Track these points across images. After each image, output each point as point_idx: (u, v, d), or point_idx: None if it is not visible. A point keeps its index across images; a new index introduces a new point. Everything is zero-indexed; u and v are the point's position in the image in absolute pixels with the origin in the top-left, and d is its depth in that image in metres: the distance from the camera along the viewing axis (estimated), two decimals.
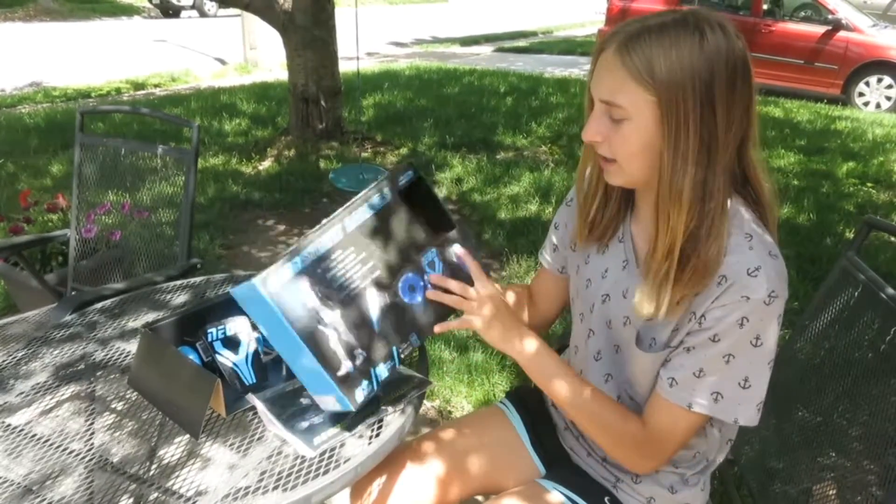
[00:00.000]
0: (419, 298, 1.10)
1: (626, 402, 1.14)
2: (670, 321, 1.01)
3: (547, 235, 1.33)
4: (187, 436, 1.10)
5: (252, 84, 8.49)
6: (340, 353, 1.00)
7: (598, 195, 1.13)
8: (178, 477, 1.02)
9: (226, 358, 1.18)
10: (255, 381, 1.19)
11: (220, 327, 1.21)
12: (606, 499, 1.18)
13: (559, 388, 1.09)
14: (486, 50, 12.94)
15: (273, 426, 1.09)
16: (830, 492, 1.29)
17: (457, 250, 1.15)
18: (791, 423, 1.43)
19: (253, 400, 1.13)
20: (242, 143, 5.66)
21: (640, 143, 0.96)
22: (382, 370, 1.05)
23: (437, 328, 1.10)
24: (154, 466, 1.05)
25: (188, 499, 0.97)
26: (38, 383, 1.25)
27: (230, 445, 1.08)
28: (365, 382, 1.02)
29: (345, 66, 5.64)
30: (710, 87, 0.91)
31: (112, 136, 2.25)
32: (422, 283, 1.10)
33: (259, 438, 1.09)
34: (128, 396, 1.21)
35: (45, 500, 0.97)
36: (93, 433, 1.12)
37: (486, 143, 5.75)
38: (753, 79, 0.96)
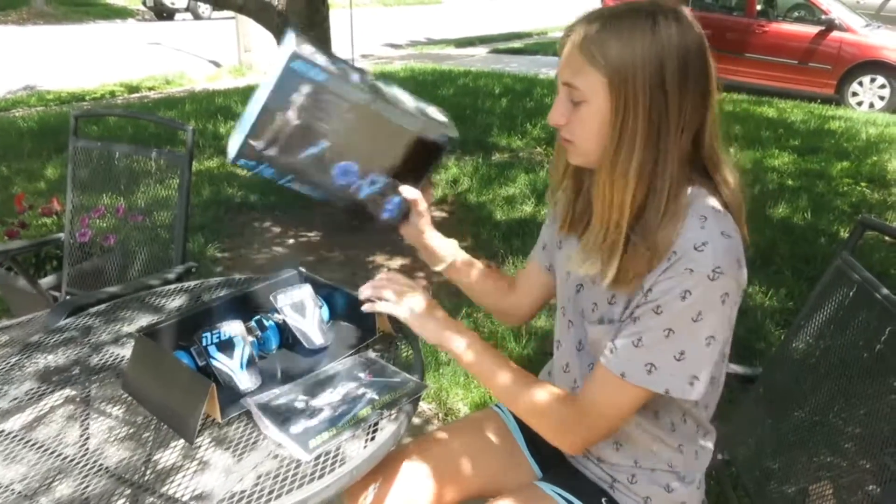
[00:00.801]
0: (341, 182, 1.24)
1: None
2: (625, 299, 1.04)
3: (540, 233, 1.35)
4: (182, 440, 1.09)
5: (247, 86, 8.48)
6: (267, 136, 1.14)
7: (572, 184, 1.16)
8: (173, 481, 1.02)
9: (220, 362, 1.18)
10: (250, 384, 1.18)
11: (214, 331, 1.20)
12: (603, 500, 1.18)
13: (497, 381, 1.12)
14: (480, 51, 12.94)
15: (268, 430, 1.08)
16: (827, 491, 1.29)
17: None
18: (787, 422, 1.43)
19: (248, 404, 1.12)
20: None
21: (595, 124, 1.00)
22: (270, 172, 1.19)
23: (367, 307, 1.22)
24: (149, 471, 1.04)
25: (183, 501, 0.97)
26: (32, 388, 1.24)
27: (225, 449, 1.08)
28: (253, 162, 1.17)
29: None
30: (661, 72, 0.95)
31: (106, 139, 2.24)
32: (354, 179, 1.23)
33: (254, 442, 1.09)
34: (123, 400, 1.20)
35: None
36: (88, 438, 1.11)
37: (482, 145, 5.75)
38: (711, 68, 0.99)
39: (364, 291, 1.23)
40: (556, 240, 1.27)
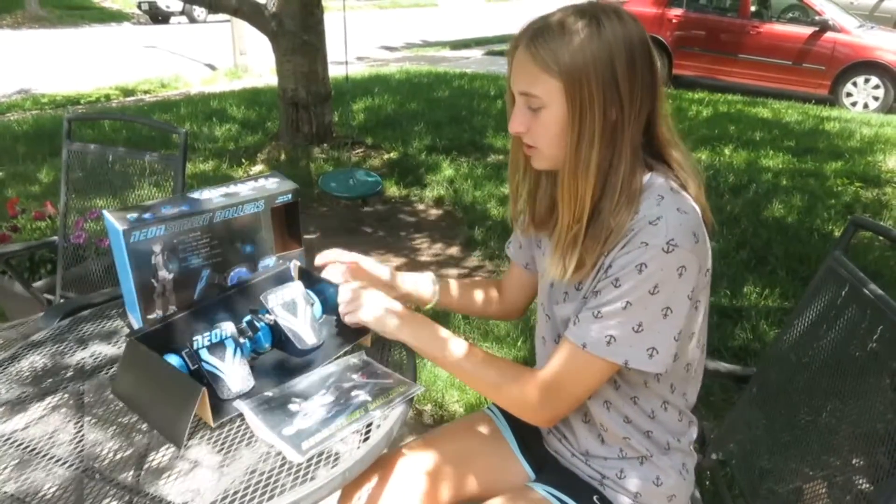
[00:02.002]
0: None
1: None
2: (589, 280, 1.08)
3: (514, 230, 1.38)
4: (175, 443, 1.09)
5: (242, 89, 8.49)
6: (158, 303, 1.28)
7: (528, 184, 1.20)
8: (165, 484, 1.01)
9: (212, 364, 1.18)
10: (242, 386, 1.18)
11: (205, 334, 1.19)
12: (595, 497, 1.18)
13: (460, 363, 1.14)
14: (476, 53, 12.97)
15: (261, 432, 1.08)
16: (820, 490, 1.30)
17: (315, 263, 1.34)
18: (781, 422, 1.44)
19: (241, 406, 1.12)
20: (232, 149, 5.66)
21: (556, 127, 1.04)
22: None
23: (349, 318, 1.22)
24: (142, 473, 1.04)
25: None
26: (25, 392, 1.24)
27: (218, 451, 1.08)
28: None
29: (335, 71, 5.65)
30: (611, 68, 0.99)
31: (100, 143, 2.24)
32: (249, 277, 1.37)
33: (247, 444, 1.09)
34: (116, 404, 1.20)
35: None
36: (81, 441, 1.11)
37: (477, 146, 5.76)
38: (654, 57, 1.05)
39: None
40: (531, 240, 1.31)
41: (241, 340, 1.22)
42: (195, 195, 1.31)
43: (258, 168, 5.19)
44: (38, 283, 2.48)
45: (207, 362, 1.16)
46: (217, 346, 1.18)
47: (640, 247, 0.99)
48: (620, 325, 1.02)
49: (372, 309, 1.18)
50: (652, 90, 1.04)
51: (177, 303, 1.28)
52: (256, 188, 1.35)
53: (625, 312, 1.01)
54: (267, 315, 1.30)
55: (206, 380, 1.16)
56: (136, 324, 1.29)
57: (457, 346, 1.15)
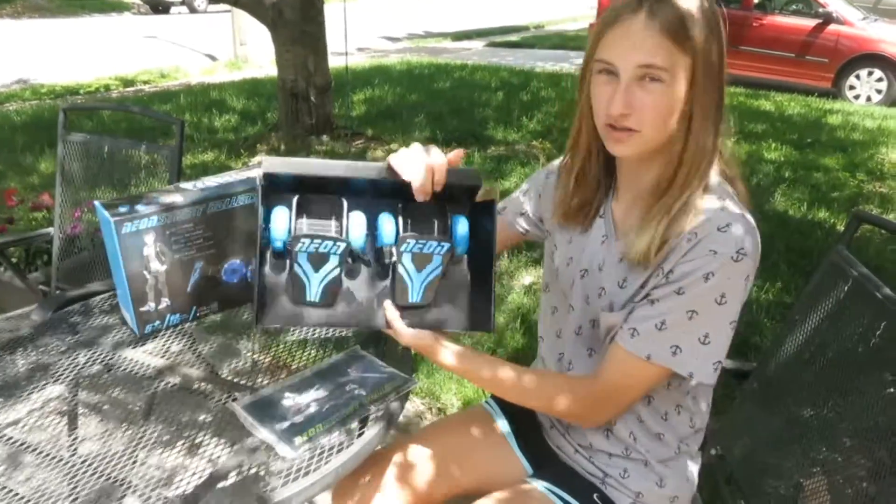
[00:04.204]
0: (235, 280, 1.32)
1: None
2: (638, 281, 1.04)
3: (512, 196, 1.34)
4: (170, 438, 1.08)
5: (242, 80, 8.45)
6: (150, 296, 1.24)
7: (590, 173, 1.13)
8: (158, 478, 1.00)
9: (303, 270, 1.07)
10: (317, 300, 1.09)
11: (316, 240, 1.05)
12: (595, 496, 1.17)
13: (501, 381, 1.11)
14: (477, 45, 12.90)
15: (254, 428, 1.07)
16: (821, 486, 1.29)
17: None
18: (781, 417, 1.42)
19: (232, 406, 1.11)
20: (232, 140, 5.63)
21: (670, 108, 0.97)
22: (176, 318, 1.29)
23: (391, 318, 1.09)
24: (137, 470, 1.03)
25: (170, 501, 0.96)
26: (18, 386, 1.22)
27: (211, 447, 1.06)
28: (157, 322, 1.27)
29: (335, 62, 5.61)
30: (720, 41, 0.96)
31: (98, 133, 2.22)
32: (244, 271, 1.32)
33: (239, 440, 1.07)
34: (112, 398, 1.19)
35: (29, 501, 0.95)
36: (76, 437, 1.10)
37: (478, 138, 5.73)
38: None
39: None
40: (540, 214, 1.28)
41: (348, 261, 1.09)
42: (188, 186, 1.29)
43: (258, 159, 5.17)
44: (34, 275, 2.47)
45: (300, 265, 1.07)
46: (319, 258, 1.07)
47: (708, 255, 0.96)
48: (686, 336, 0.99)
49: (416, 336, 1.08)
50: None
51: (169, 295, 1.26)
52: (251, 179, 1.33)
53: (690, 323, 0.98)
54: (393, 250, 1.09)
55: (289, 280, 1.10)
56: (129, 318, 1.27)
57: (503, 368, 1.11)
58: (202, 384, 1.24)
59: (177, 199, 1.24)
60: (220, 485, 0.98)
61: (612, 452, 1.17)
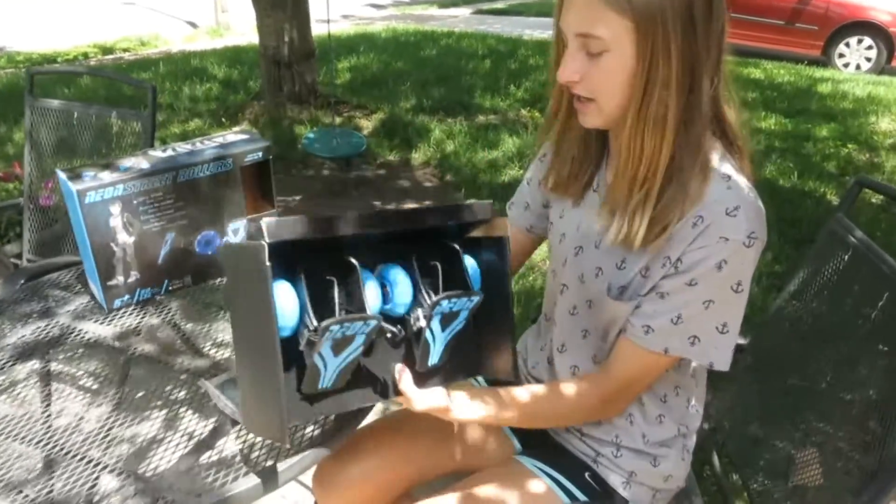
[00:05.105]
0: (209, 252, 1.27)
1: (601, 358, 1.09)
2: (640, 264, 0.98)
3: (518, 190, 1.26)
4: (144, 417, 1.03)
5: (224, 48, 8.28)
6: (118, 269, 1.20)
7: (574, 144, 1.07)
8: (131, 458, 0.97)
9: (322, 358, 0.85)
10: (329, 386, 0.88)
11: (345, 325, 0.83)
12: (587, 474, 1.13)
13: (518, 414, 1.03)
14: (464, 12, 12.72)
15: (227, 409, 1.02)
16: (812, 457, 1.27)
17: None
18: (775, 390, 1.40)
19: (205, 384, 1.05)
20: (214, 109, 5.51)
21: (621, 76, 0.90)
22: (147, 292, 1.26)
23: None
24: (112, 448, 0.99)
25: (145, 480, 0.92)
26: None
27: (188, 428, 1.02)
28: (127, 296, 1.23)
29: (319, 29, 5.49)
30: (689, 7, 0.87)
31: (70, 100, 2.13)
32: (218, 242, 1.27)
33: (214, 424, 1.03)
34: (85, 373, 1.13)
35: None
36: (49, 414, 1.04)
37: (465, 106, 5.65)
38: None
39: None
40: (541, 200, 1.20)
41: (374, 337, 0.89)
42: (157, 153, 1.22)
43: (239, 129, 5.06)
44: (7, 247, 2.39)
45: (321, 354, 0.84)
46: (344, 342, 0.85)
47: (719, 242, 0.90)
48: (704, 327, 0.95)
49: (429, 400, 0.95)
50: (724, 32, 0.92)
51: (139, 269, 1.20)
52: (224, 145, 1.26)
53: (707, 313, 0.94)
54: (420, 315, 0.92)
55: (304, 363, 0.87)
56: (97, 293, 1.21)
57: (521, 401, 1.03)
58: (175, 359, 1.19)
59: (145, 166, 1.17)
60: (193, 465, 0.93)
61: (603, 439, 1.13)
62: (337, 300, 0.86)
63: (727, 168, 0.94)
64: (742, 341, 1.51)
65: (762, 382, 1.44)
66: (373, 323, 0.84)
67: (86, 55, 8.01)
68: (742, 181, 0.93)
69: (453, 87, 6.21)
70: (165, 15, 10.72)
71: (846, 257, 1.26)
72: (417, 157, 4.67)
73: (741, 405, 1.48)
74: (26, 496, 0.89)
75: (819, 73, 7.42)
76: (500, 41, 8.55)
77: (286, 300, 0.83)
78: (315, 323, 0.83)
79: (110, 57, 8.10)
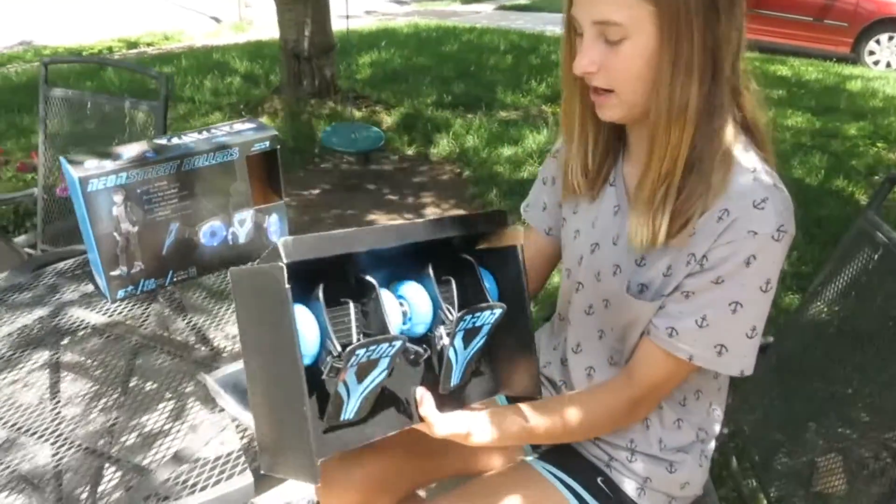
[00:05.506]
0: (215, 243, 1.25)
1: (618, 359, 1.05)
2: (662, 262, 0.93)
3: (532, 190, 1.21)
4: (146, 409, 1.01)
5: (246, 42, 8.31)
6: (122, 259, 1.17)
7: (590, 138, 1.01)
8: (137, 453, 0.96)
9: (346, 386, 0.80)
10: (353, 417, 0.82)
11: (370, 349, 0.77)
12: (599, 479, 1.08)
13: (544, 433, 0.97)
14: (487, 8, 12.67)
15: (228, 405, 1.00)
16: (836, 464, 1.24)
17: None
18: (798, 393, 1.36)
19: (205, 379, 1.03)
20: (234, 103, 5.52)
21: (641, 64, 0.85)
22: (151, 283, 1.23)
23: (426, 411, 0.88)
24: (119, 439, 0.98)
25: (142, 473, 0.91)
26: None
27: (190, 422, 1.01)
28: (130, 287, 1.20)
29: (341, 24, 5.47)
30: None
31: (85, 90, 2.12)
32: (224, 233, 1.24)
33: (215, 420, 1.01)
34: (92, 364, 1.11)
35: (10, 469, 0.91)
36: (58, 401, 1.04)
37: (486, 102, 5.62)
38: None
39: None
40: (557, 199, 1.14)
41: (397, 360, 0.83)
42: (162, 141, 1.20)
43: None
44: (23, 237, 2.39)
45: (345, 382, 0.79)
46: (368, 366, 0.79)
47: (747, 237, 0.85)
48: (731, 333, 0.90)
49: (451, 425, 0.89)
50: (742, 21, 0.87)
51: (143, 259, 1.17)
52: (231, 134, 1.23)
53: (735, 317, 0.89)
54: (443, 333, 0.87)
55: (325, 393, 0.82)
56: (101, 283, 1.19)
57: (544, 419, 0.97)
58: (179, 351, 1.16)
59: (148, 155, 1.15)
60: (207, 453, 0.91)
61: (617, 443, 1.08)
62: (354, 322, 0.81)
63: (752, 158, 0.89)
64: (765, 341, 1.46)
65: (785, 385, 1.40)
66: (398, 343, 0.78)
67: (110, 49, 8.08)
68: (768, 172, 0.89)
69: (474, 82, 6.18)
70: (191, 10, 10.80)
71: (876, 256, 1.21)
72: (436, 152, 4.64)
73: (762, 408, 1.44)
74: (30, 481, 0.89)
75: (848, 70, 7.28)
76: (522, 37, 8.50)
77: (307, 326, 0.77)
78: (339, 348, 0.76)
79: (134, 51, 8.18)
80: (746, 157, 0.89)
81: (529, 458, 1.14)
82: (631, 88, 0.88)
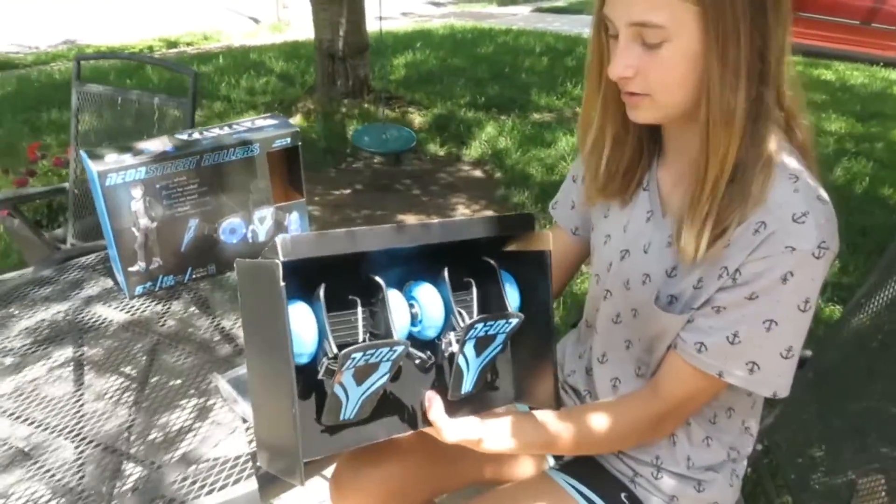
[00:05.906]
0: (234, 240, 1.23)
1: (644, 371, 1.00)
2: (693, 274, 0.88)
3: (561, 188, 1.17)
4: (162, 408, 1.01)
5: (283, 42, 8.38)
6: (141, 254, 1.15)
7: (608, 141, 0.96)
8: (153, 452, 0.94)
9: (343, 388, 0.78)
10: (352, 417, 0.80)
11: (368, 353, 0.75)
12: (623, 495, 1.04)
13: (561, 445, 0.94)
14: (523, 10, 12.62)
15: (238, 406, 0.97)
16: (878, 486, 1.16)
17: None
18: (838, 410, 1.30)
19: (217, 380, 1.00)
20: (269, 102, 5.56)
21: (684, 67, 0.80)
22: (170, 280, 1.22)
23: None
24: (136, 439, 0.97)
25: (158, 466, 0.91)
26: (22, 346, 1.15)
27: (210, 421, 0.99)
28: (149, 283, 1.19)
29: (376, 26, 5.48)
30: None
31: (112, 86, 2.13)
32: (244, 231, 1.22)
33: (229, 421, 0.98)
34: (115, 360, 1.10)
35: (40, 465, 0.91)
36: (81, 401, 1.03)
37: (520, 104, 5.58)
38: None
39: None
40: (585, 198, 1.09)
41: (400, 363, 0.80)
42: (183, 136, 1.18)
43: (293, 122, 5.09)
44: (56, 231, 2.42)
45: (342, 384, 0.77)
46: (368, 369, 0.77)
47: (784, 252, 0.80)
48: (765, 351, 0.85)
49: (462, 431, 0.86)
50: (789, 20, 0.82)
51: (161, 255, 1.16)
52: (252, 130, 1.21)
53: (769, 335, 0.84)
54: (452, 339, 0.84)
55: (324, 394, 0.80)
56: (120, 279, 1.17)
57: (565, 428, 0.93)
58: (195, 350, 1.15)
59: (168, 149, 1.13)
60: (208, 454, 0.89)
61: (642, 459, 1.03)
62: (360, 323, 0.79)
63: (794, 166, 0.83)
64: (803, 355, 1.40)
65: (824, 401, 1.33)
66: (399, 349, 0.76)
67: (151, 48, 8.22)
68: (811, 182, 0.83)
69: (508, 84, 6.15)
70: (231, 11, 10.94)
71: None
72: (468, 153, 4.61)
73: (799, 424, 1.38)
74: (52, 475, 0.88)
75: (895, 75, 7.06)
76: (558, 39, 8.44)
77: (303, 324, 0.75)
78: (334, 350, 0.74)
79: (174, 50, 8.30)
80: (788, 165, 0.84)
81: (550, 470, 1.10)
82: (669, 92, 0.84)
